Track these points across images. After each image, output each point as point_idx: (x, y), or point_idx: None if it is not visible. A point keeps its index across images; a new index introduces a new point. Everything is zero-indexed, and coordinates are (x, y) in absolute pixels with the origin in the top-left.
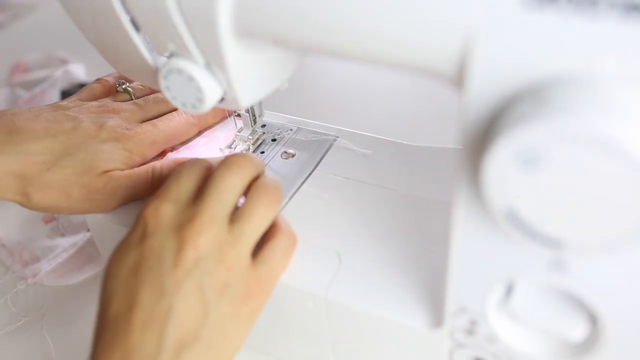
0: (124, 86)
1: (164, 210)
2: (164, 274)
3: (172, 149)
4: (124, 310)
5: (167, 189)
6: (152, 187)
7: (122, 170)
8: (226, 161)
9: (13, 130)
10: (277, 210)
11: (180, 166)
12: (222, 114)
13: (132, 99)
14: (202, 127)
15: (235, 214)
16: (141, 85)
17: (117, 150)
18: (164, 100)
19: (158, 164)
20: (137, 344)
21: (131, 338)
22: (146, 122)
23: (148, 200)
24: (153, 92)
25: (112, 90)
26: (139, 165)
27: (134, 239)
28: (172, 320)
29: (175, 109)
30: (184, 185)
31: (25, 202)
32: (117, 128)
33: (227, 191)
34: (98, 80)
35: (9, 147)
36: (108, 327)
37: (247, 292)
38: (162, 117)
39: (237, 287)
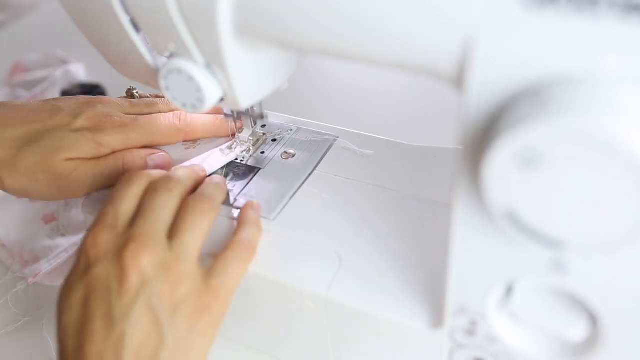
0: (133, 92)
1: (102, 238)
2: (112, 302)
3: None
4: (79, 344)
5: (105, 213)
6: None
7: (87, 159)
8: (154, 185)
9: None
10: (213, 217)
11: (117, 185)
12: (221, 131)
13: None
14: (189, 135)
15: (172, 230)
16: (150, 95)
17: (84, 140)
18: (158, 105)
19: (130, 154)
20: None
21: None
22: (128, 116)
23: (88, 229)
24: (158, 98)
25: None
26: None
27: (79, 271)
28: (127, 347)
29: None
30: (121, 208)
31: (0, 186)
32: (94, 117)
33: (159, 211)
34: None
35: None
36: None
37: (201, 306)
38: (148, 115)
39: (189, 302)
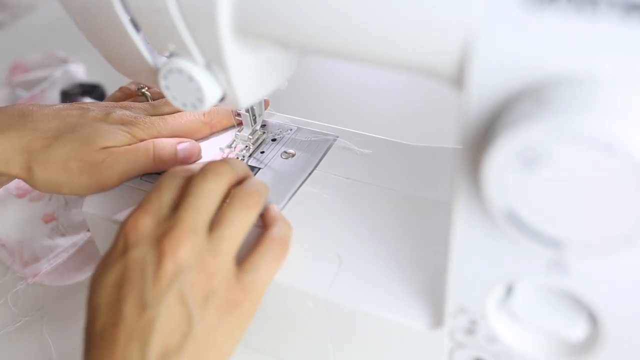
0: (143, 90)
1: (143, 223)
2: (145, 287)
3: None
4: (108, 324)
5: (149, 200)
6: (154, 163)
7: (119, 147)
8: (203, 169)
9: (26, 113)
10: (256, 213)
11: (163, 175)
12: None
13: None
14: (215, 127)
15: (214, 220)
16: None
17: (119, 131)
18: None
19: (159, 140)
20: (121, 357)
21: (116, 352)
22: (156, 116)
23: (129, 213)
24: None
25: (133, 96)
26: None
27: (116, 253)
28: (155, 332)
29: None
30: (165, 196)
31: (29, 178)
32: (124, 116)
33: (204, 199)
34: (119, 88)
35: (18, 126)
36: (94, 343)
37: (232, 301)
38: (174, 113)
39: (221, 295)
